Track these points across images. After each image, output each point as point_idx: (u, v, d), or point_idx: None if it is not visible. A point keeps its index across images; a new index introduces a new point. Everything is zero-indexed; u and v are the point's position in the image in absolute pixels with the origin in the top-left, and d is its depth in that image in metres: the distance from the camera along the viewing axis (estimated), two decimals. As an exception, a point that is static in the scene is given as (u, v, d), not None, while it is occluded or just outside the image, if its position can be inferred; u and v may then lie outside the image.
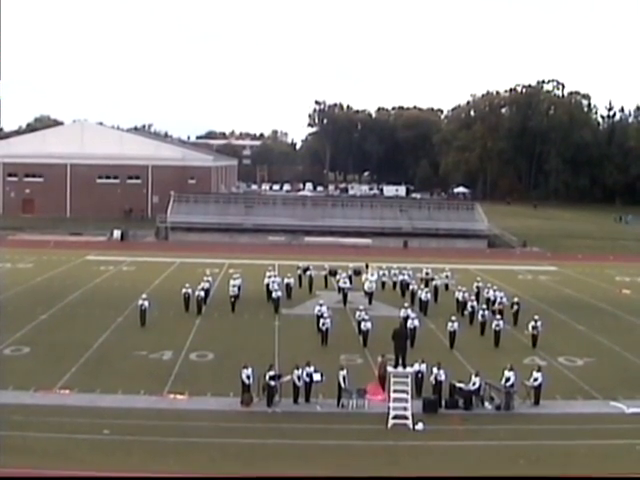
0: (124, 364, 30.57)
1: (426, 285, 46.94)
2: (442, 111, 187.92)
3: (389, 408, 24.59)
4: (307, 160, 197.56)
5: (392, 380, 25.15)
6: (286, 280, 45.58)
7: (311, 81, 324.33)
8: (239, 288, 42.89)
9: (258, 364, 27.12)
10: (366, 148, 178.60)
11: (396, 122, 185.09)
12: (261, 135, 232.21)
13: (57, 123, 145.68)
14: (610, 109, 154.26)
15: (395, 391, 24.79)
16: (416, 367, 27.68)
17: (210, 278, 45.08)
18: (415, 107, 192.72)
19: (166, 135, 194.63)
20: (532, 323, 35.65)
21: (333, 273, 50.41)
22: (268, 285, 44.15)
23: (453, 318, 35.51)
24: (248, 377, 26.27)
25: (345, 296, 44.23)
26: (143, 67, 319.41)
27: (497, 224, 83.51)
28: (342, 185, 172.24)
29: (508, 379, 26.72)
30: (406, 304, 39.46)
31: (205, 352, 32.82)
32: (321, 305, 37.06)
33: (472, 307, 40.03)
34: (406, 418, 24.34)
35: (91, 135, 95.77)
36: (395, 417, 24.39)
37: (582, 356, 34.10)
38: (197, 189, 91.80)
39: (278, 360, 30.41)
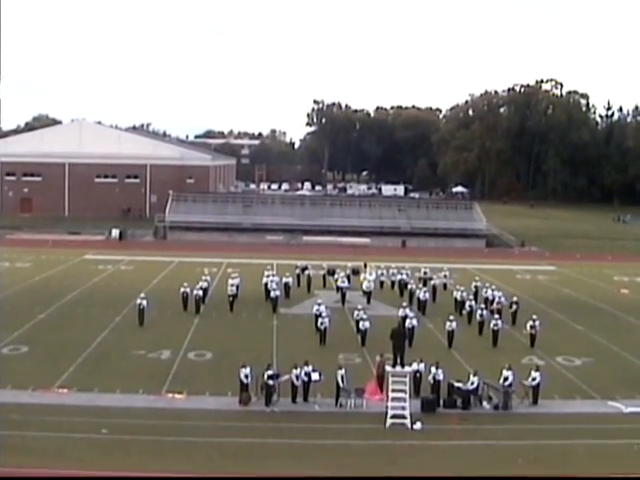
0: (122, 363, 30.55)
1: (424, 284, 46.95)
2: (440, 111, 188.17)
3: (387, 407, 24.60)
4: (305, 159, 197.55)
5: (390, 379, 25.14)
6: (284, 279, 45.59)
7: (310, 80, 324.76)
8: (237, 287, 42.91)
9: (256, 363, 27.10)
10: (364, 147, 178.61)
11: (395, 121, 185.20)
12: (259, 134, 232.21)
13: (55, 122, 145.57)
14: (608, 109, 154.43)
15: (393, 390, 24.79)
16: (414, 366, 27.68)
17: (208, 277, 45.08)
18: (414, 107, 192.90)
19: (164, 134, 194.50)
20: (530, 323, 35.66)
21: (331, 272, 50.40)
22: (266, 284, 44.13)
23: (451, 318, 35.51)
24: (246, 376, 26.25)
25: (343, 295, 44.22)
26: (141, 66, 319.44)
27: (495, 224, 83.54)
28: (340, 184, 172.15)
29: (506, 379, 26.72)
30: (404, 303, 39.44)
31: (203, 351, 32.81)
32: (319, 304, 37.04)
33: (470, 307, 40.03)
34: (404, 417, 24.35)
35: (89, 134, 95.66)
36: (393, 416, 24.39)
37: (580, 356, 34.12)
38: (195, 188, 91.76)
39: (276, 359, 30.39)
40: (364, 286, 45.39)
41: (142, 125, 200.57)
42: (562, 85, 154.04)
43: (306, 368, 26.52)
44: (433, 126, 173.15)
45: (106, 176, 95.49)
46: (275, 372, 26.66)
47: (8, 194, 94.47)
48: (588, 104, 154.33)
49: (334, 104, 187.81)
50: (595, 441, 23.76)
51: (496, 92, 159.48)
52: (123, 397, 26.36)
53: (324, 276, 50.26)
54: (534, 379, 27.05)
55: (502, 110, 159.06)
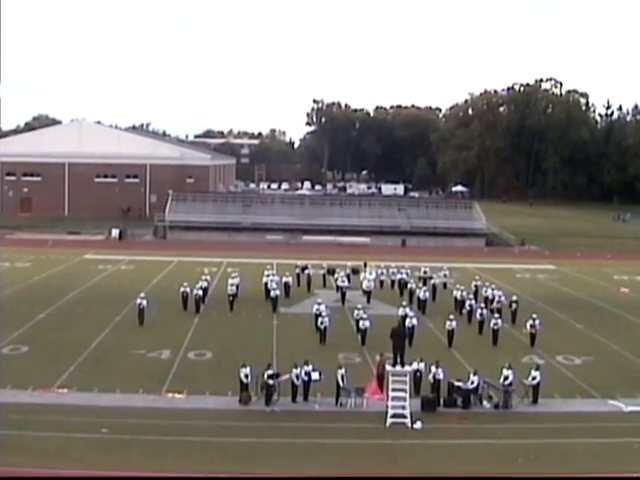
0: (122, 363, 30.55)
1: (424, 284, 46.91)
2: (440, 110, 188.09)
3: (387, 407, 24.60)
4: (305, 159, 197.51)
5: (390, 379, 25.14)
6: (284, 279, 45.58)
7: (309, 80, 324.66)
8: (237, 287, 42.90)
9: (256, 363, 27.12)
10: (364, 147, 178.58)
11: (394, 121, 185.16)
12: (259, 134, 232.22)
13: (55, 122, 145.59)
14: (608, 107, 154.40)
15: (393, 390, 24.79)
16: (414, 366, 27.69)
17: (208, 277, 45.07)
18: (413, 106, 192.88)
19: (164, 134, 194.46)
20: (530, 322, 35.65)
21: (331, 272, 50.38)
22: (266, 284, 44.12)
23: (451, 317, 35.50)
24: (246, 376, 26.25)
25: (343, 295, 44.21)
26: (141, 66, 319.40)
27: (495, 223, 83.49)
28: (340, 184, 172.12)
29: (506, 378, 26.74)
30: (404, 303, 39.45)
31: (203, 351, 32.81)
32: (319, 304, 37.02)
33: (470, 306, 40.02)
34: (404, 417, 24.35)
35: (89, 134, 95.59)
36: (393, 416, 24.39)
37: (580, 355, 34.13)
38: (195, 188, 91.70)
39: (276, 359, 30.41)
40: (364, 285, 45.38)
41: (142, 125, 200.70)
42: (561, 84, 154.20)
43: (306, 367, 26.52)
44: (433, 125, 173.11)
45: (106, 176, 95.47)
46: (275, 371, 26.66)
47: (8, 194, 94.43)
48: (587, 103, 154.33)
49: (334, 103, 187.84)
50: (595, 440, 23.77)
51: (495, 91, 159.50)
52: (123, 397, 26.36)
53: (324, 275, 50.25)
54: (534, 378, 27.06)
55: (502, 109, 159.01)
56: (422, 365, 27.90)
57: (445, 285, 48.48)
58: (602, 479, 21.07)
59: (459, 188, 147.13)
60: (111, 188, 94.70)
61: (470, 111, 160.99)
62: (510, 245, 78.47)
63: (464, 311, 40.28)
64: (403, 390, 24.82)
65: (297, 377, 26.43)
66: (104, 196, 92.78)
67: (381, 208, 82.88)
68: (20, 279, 48.86)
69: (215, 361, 31.44)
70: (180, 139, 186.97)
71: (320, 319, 35.31)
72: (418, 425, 24.18)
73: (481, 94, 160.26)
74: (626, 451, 22.88)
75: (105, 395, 26.42)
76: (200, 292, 41.43)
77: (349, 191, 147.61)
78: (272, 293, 42.39)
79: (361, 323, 34.85)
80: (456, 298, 42.30)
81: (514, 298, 40.90)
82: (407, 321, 34.97)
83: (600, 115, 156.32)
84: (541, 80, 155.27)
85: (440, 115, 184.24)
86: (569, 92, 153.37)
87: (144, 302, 37.79)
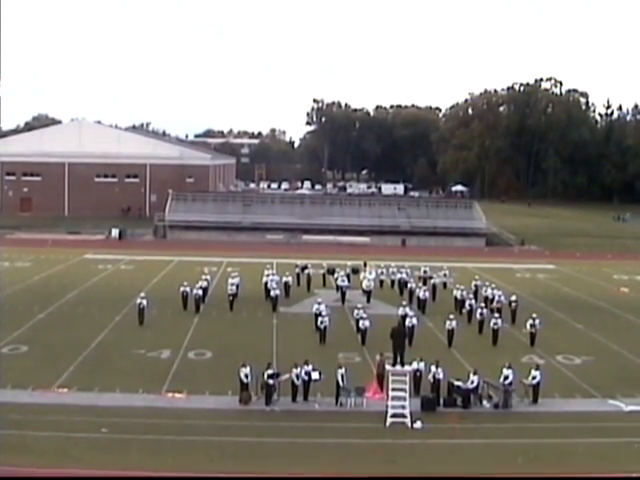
0: (122, 363, 30.55)
1: (424, 283, 46.91)
2: (440, 109, 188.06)
3: (387, 406, 24.60)
4: (305, 158, 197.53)
5: (390, 378, 25.16)
6: (284, 278, 45.58)
7: (309, 79, 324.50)
8: (237, 286, 42.90)
9: (256, 362, 27.12)
10: (364, 146, 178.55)
11: (394, 120, 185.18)
12: (259, 133, 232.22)
13: (55, 122, 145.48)
14: (608, 107, 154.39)
15: (393, 389, 24.80)
16: (414, 365, 27.69)
17: (208, 276, 45.08)
18: (413, 105, 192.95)
19: (164, 134, 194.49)
20: (530, 321, 35.65)
21: (331, 271, 50.38)
22: (266, 283, 44.13)
23: (451, 316, 35.50)
24: (246, 375, 26.25)
25: (343, 294, 44.21)
26: (141, 66, 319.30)
27: (495, 222, 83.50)
28: (340, 183, 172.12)
29: (506, 377, 26.74)
30: (404, 302, 39.45)
31: (203, 350, 32.82)
32: (319, 303, 37.03)
33: (470, 305, 40.02)
34: (404, 416, 24.36)
35: (89, 134, 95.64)
36: (393, 415, 24.40)
37: (580, 354, 34.12)
38: (195, 188, 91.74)
39: (276, 358, 30.41)
40: (364, 285, 45.38)
41: (142, 124, 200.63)
42: (562, 84, 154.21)
43: (306, 367, 26.53)
44: (433, 125, 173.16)
45: (106, 175, 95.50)
46: (275, 371, 26.66)
47: (8, 194, 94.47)
48: (588, 103, 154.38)
49: (334, 103, 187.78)
50: (595, 440, 23.77)
51: (496, 91, 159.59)
52: (123, 396, 26.36)
53: (324, 275, 50.26)
54: (534, 378, 27.06)
55: (502, 109, 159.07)
56: (422, 365, 27.90)
57: (445, 285, 48.47)
58: (602, 479, 21.08)
59: (459, 188, 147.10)
60: (111, 188, 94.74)
61: (470, 111, 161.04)
62: (510, 245, 78.46)
63: (464, 311, 40.27)
64: (403, 390, 24.82)
65: (297, 377, 26.43)
66: (104, 196, 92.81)
67: (381, 208, 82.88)
68: (20, 279, 48.85)
69: (215, 361, 31.44)
70: (180, 139, 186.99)
71: (320, 319, 35.32)
72: (418, 425, 24.18)
73: (481, 94, 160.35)
74: (626, 451, 22.87)
75: (105, 395, 26.42)
76: (200, 292, 41.44)
77: (349, 191, 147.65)
78: (272, 293, 42.39)
79: (361, 323, 34.85)
80: (456, 298, 42.30)
81: (514, 298, 40.90)
82: (407, 321, 34.97)
83: (600, 115, 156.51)
84: (541, 80, 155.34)
85: (440, 115, 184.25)
86: (569, 92, 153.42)
87: (144, 302, 37.80)
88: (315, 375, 26.56)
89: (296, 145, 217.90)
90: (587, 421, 25.46)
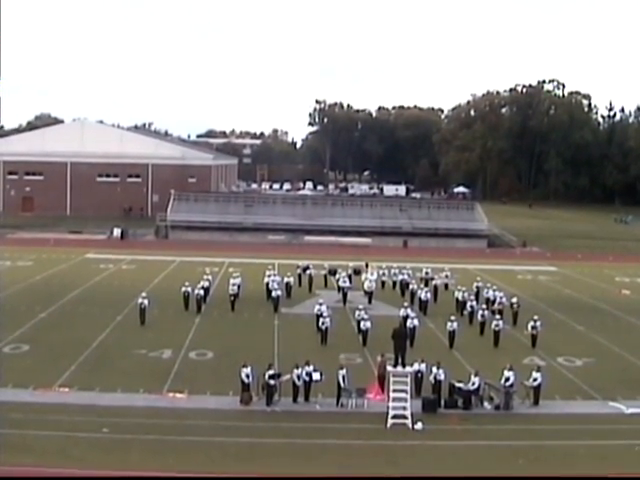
0: (123, 362, 30.55)
1: (426, 285, 46.92)
2: (442, 111, 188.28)
3: (388, 407, 24.58)
4: (307, 159, 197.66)
5: (391, 379, 25.13)
6: (286, 279, 45.57)
7: (312, 80, 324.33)
8: (239, 287, 42.88)
9: (257, 363, 27.11)
10: (366, 147, 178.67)
11: (396, 121, 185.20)
12: (261, 134, 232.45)
13: (57, 121, 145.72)
14: (610, 109, 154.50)
15: (394, 390, 24.78)
16: (415, 367, 27.67)
17: (210, 277, 45.08)
18: (415, 106, 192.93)
19: (166, 134, 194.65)
20: (531, 323, 35.64)
21: (333, 272, 50.40)
22: (268, 284, 44.13)
23: (453, 318, 35.49)
24: (247, 376, 26.25)
25: (345, 295, 44.22)
26: (143, 65, 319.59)
27: (497, 224, 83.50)
28: (342, 184, 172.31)
29: (507, 379, 26.71)
30: (406, 303, 39.45)
31: (205, 351, 32.82)
32: (321, 304, 37.03)
33: (472, 307, 40.01)
34: (405, 418, 24.34)
35: (91, 133, 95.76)
36: (394, 416, 24.38)
37: (581, 356, 34.09)
38: (197, 188, 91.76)
39: (277, 359, 30.42)
40: (365, 286, 45.37)
41: (144, 124, 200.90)
42: (564, 85, 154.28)
43: (307, 368, 26.51)
44: (435, 126, 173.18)
45: (108, 175, 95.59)
46: (276, 372, 26.66)
47: (10, 193, 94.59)
48: (590, 104, 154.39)
49: (336, 104, 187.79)
50: (596, 442, 23.75)
51: (498, 92, 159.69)
52: (124, 396, 26.37)
53: (325, 276, 50.27)
54: (535, 379, 27.03)
55: (504, 110, 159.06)
56: (423, 366, 27.87)
57: (446, 286, 48.45)
58: (603, 480, 21.08)
59: (461, 189, 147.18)
60: (113, 187, 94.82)
61: (472, 112, 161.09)
62: (512, 246, 78.42)
63: (465, 312, 40.26)
64: (404, 391, 24.79)
65: (298, 377, 26.42)
66: (106, 195, 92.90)
67: (383, 209, 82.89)
68: (21, 278, 48.89)
69: (216, 361, 31.43)
70: (182, 139, 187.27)
71: (321, 319, 35.30)
72: (419, 426, 24.16)
73: (483, 95, 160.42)
74: (627, 453, 22.85)
75: (106, 394, 26.42)
76: (201, 292, 41.46)
77: (351, 192, 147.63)
78: (273, 293, 42.39)
79: (362, 324, 34.83)
80: (457, 299, 42.29)
81: (515, 299, 40.88)
82: (408, 322, 34.97)
83: (602, 117, 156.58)
84: (543, 81, 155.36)
85: (442, 116, 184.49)
86: (571, 93, 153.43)
87: (145, 302, 37.82)
88: (316, 376, 26.54)
89: (298, 146, 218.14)
90: (588, 423, 25.44)
